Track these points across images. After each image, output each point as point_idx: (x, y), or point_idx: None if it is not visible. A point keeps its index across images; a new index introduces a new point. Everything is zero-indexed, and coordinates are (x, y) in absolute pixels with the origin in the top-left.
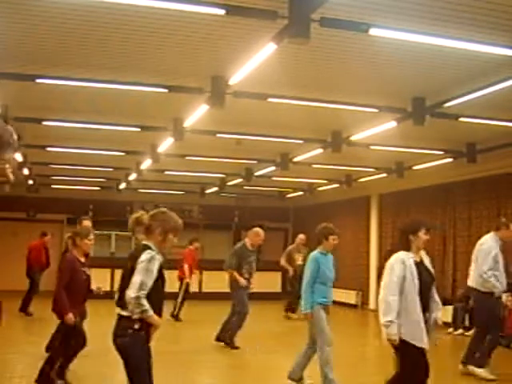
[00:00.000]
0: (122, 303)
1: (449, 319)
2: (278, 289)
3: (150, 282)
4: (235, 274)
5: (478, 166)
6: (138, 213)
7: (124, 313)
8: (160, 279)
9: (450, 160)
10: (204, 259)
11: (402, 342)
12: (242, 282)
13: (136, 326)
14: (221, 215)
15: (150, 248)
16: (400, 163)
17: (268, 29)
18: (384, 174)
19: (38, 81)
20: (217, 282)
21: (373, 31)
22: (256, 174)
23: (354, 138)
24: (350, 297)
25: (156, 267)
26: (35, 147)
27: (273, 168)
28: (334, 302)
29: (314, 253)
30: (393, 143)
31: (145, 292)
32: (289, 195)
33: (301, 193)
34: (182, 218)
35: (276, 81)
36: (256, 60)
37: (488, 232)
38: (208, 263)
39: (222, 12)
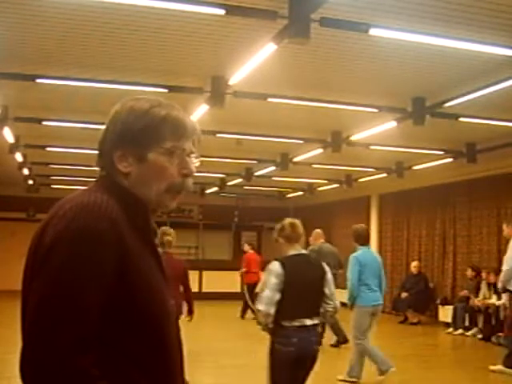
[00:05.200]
0: (314, 313)
1: (449, 319)
2: None
3: None
4: None
5: (478, 165)
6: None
7: (317, 321)
8: None
9: (450, 160)
10: (204, 259)
11: None
12: None
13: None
14: (221, 215)
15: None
16: (400, 163)
17: (268, 29)
18: (384, 174)
19: (38, 81)
20: (217, 281)
21: (373, 31)
22: (256, 174)
23: (353, 137)
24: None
25: None
26: (35, 147)
27: (273, 168)
28: None
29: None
30: (393, 143)
31: None
32: (289, 195)
33: (301, 193)
34: (182, 217)
35: (276, 81)
36: (256, 60)
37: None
38: (208, 263)
39: (221, 12)
